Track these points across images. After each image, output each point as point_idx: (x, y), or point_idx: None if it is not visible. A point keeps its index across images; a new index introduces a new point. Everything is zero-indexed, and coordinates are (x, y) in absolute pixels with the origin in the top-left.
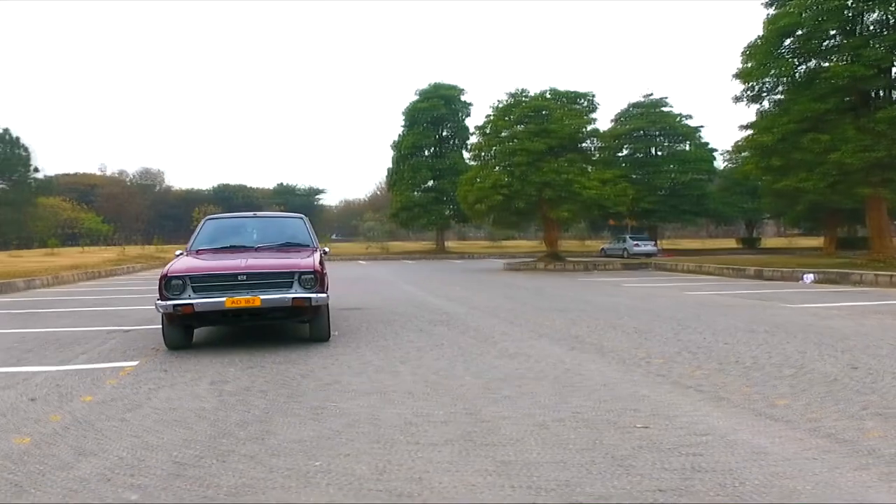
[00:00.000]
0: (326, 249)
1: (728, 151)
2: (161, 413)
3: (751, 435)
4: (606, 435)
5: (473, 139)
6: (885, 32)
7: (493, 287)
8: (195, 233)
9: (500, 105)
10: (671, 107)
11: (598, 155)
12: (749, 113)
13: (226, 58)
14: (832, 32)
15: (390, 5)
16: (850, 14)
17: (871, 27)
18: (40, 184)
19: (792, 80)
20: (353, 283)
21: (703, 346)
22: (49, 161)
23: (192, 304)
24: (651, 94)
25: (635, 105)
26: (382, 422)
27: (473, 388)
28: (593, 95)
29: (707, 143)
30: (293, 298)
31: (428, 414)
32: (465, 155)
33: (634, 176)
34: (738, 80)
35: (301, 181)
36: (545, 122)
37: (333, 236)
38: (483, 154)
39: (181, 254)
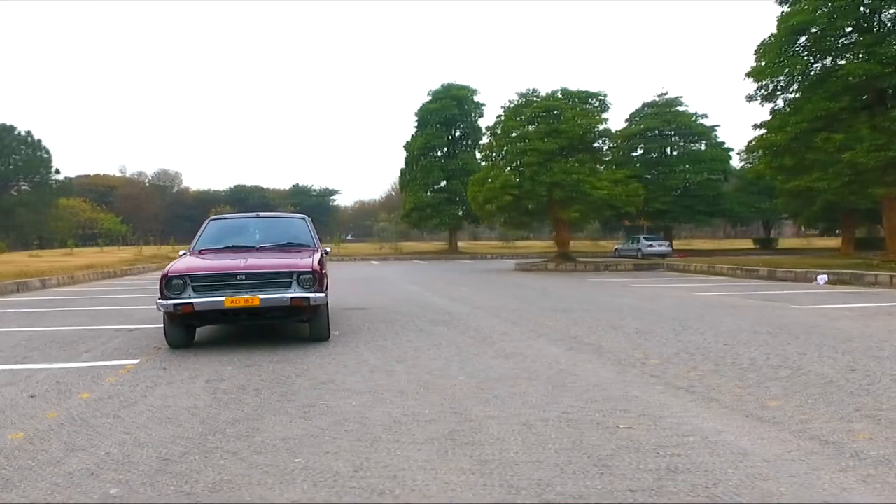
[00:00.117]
0: (328, 250)
1: (743, 151)
2: (154, 410)
3: (735, 436)
4: (589, 435)
5: (484, 140)
6: None
7: (500, 287)
8: (199, 233)
9: (511, 105)
10: (686, 106)
11: (610, 155)
12: (763, 112)
13: (242, 61)
14: (847, 30)
15: (405, 6)
16: (865, 11)
17: (888, 24)
18: (61, 185)
19: (805, 79)
20: (361, 283)
21: (701, 347)
22: (69, 163)
23: (192, 304)
24: (665, 94)
25: (649, 104)
26: (369, 420)
27: (465, 387)
28: (605, 95)
29: (723, 143)
30: (291, 298)
31: (416, 413)
32: (477, 155)
33: (648, 176)
34: (750, 79)
35: (316, 182)
36: (556, 122)
37: (348, 237)
38: (493, 154)
39: (185, 254)
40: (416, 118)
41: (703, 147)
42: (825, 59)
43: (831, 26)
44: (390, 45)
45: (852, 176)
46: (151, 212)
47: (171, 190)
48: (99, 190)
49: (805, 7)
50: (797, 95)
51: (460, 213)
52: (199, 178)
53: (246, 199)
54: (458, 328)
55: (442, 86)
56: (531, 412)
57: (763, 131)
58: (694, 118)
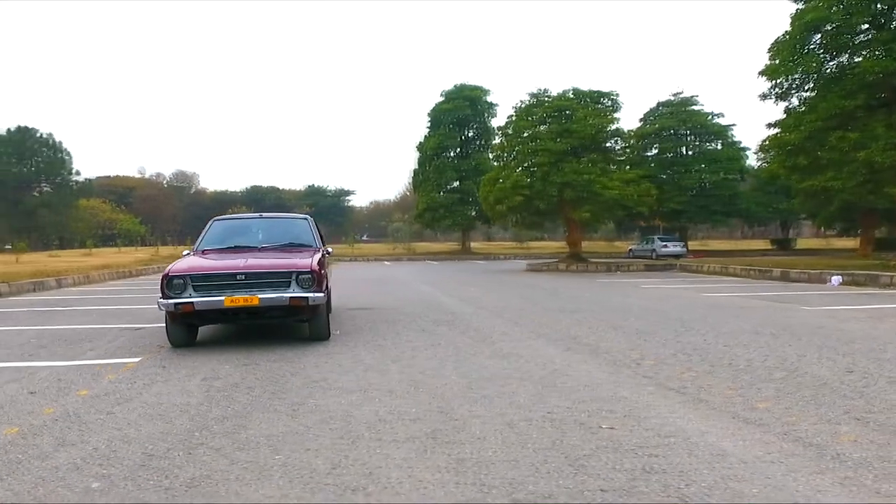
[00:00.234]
0: (329, 250)
1: (759, 150)
2: (147, 407)
3: (718, 437)
4: (570, 435)
5: (496, 140)
6: None
7: (508, 287)
8: (202, 233)
9: (522, 105)
10: (701, 105)
11: (623, 155)
12: (777, 111)
13: (259, 63)
14: (863, 27)
15: (419, 7)
16: (881, 7)
17: None
18: (81, 186)
19: (820, 76)
20: (370, 283)
21: (700, 347)
22: (90, 164)
23: (192, 303)
24: (680, 93)
25: (664, 104)
26: (354, 418)
27: (455, 387)
28: (616, 94)
29: (739, 142)
30: (290, 298)
31: (402, 412)
32: (489, 156)
33: (663, 176)
34: (763, 78)
35: (331, 183)
36: (567, 122)
37: (364, 237)
38: (504, 155)
39: (188, 253)
40: (429, 119)
41: (718, 146)
42: (840, 56)
43: (846, 23)
44: (404, 46)
45: (868, 175)
46: (169, 212)
47: (189, 191)
48: (118, 191)
49: (820, 4)
50: (812, 94)
51: (473, 213)
52: (216, 179)
53: (262, 199)
54: (460, 328)
55: (455, 86)
56: (516, 412)
57: (777, 130)
58: (709, 117)
